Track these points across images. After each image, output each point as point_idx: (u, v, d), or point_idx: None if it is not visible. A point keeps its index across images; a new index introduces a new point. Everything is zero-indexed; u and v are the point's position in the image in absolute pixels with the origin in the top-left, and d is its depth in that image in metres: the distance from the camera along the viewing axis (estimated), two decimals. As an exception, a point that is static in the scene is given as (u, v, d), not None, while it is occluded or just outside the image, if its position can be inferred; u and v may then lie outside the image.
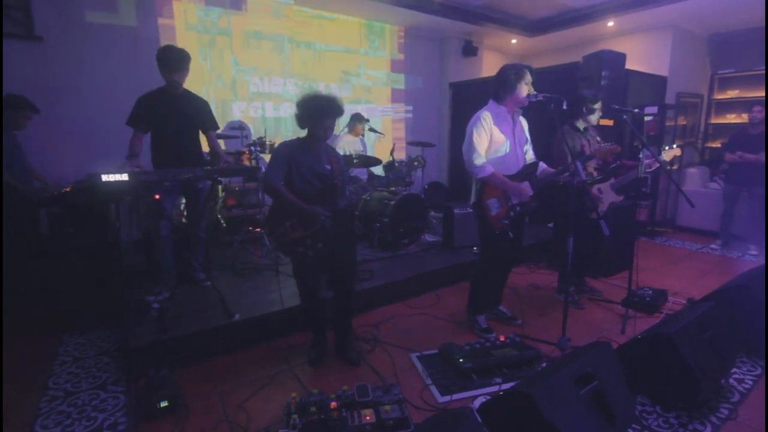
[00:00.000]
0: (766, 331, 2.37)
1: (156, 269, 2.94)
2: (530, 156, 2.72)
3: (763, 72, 5.60)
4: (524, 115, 2.69)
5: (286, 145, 2.34)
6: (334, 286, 2.40)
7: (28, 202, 3.09)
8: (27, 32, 3.69)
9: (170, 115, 2.82)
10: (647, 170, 2.93)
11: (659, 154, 2.88)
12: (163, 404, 1.95)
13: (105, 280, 2.95)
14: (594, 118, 3.05)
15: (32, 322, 2.93)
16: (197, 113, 2.96)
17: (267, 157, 4.14)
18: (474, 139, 2.47)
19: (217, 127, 3.14)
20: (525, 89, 2.44)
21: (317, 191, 2.28)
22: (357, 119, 4.61)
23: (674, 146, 2.97)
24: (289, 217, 2.25)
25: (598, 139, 3.15)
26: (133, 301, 2.81)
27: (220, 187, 4.22)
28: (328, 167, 2.32)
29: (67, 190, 3.14)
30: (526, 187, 2.45)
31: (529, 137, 2.71)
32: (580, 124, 3.07)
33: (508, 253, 2.67)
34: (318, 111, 2.21)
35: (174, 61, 2.74)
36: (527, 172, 2.53)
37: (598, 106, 3.02)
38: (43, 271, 2.87)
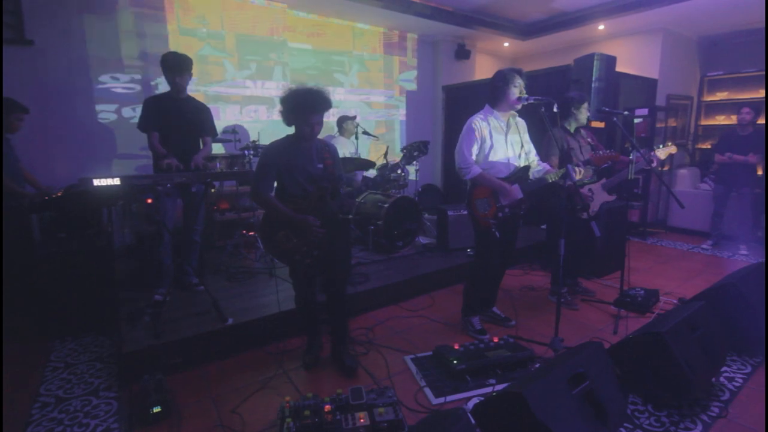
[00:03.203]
0: (766, 326, 2.40)
1: (156, 271, 2.99)
2: (532, 158, 2.68)
3: (752, 74, 5.68)
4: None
5: (272, 149, 2.18)
6: (325, 288, 2.37)
7: (22, 207, 3.06)
8: (17, 36, 3.67)
9: (174, 119, 2.90)
10: (638, 169, 2.95)
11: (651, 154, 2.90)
12: (156, 410, 1.94)
13: (97, 285, 2.93)
14: (582, 119, 3.08)
15: (23, 328, 2.90)
16: (199, 119, 3.02)
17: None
18: (464, 142, 2.51)
19: (216, 135, 3.18)
20: (515, 92, 2.47)
21: (309, 196, 2.19)
22: (345, 119, 4.64)
23: (669, 144, 2.99)
24: (282, 227, 2.18)
25: (590, 140, 3.18)
26: (126, 306, 2.79)
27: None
28: (320, 166, 2.20)
29: (59, 194, 3.12)
30: (515, 189, 2.47)
31: (528, 140, 2.69)
32: (571, 126, 3.10)
33: (499, 253, 2.68)
34: (302, 106, 2.03)
35: (177, 65, 2.85)
36: (518, 175, 2.55)
37: (584, 106, 3.05)
38: (34, 277, 2.84)
